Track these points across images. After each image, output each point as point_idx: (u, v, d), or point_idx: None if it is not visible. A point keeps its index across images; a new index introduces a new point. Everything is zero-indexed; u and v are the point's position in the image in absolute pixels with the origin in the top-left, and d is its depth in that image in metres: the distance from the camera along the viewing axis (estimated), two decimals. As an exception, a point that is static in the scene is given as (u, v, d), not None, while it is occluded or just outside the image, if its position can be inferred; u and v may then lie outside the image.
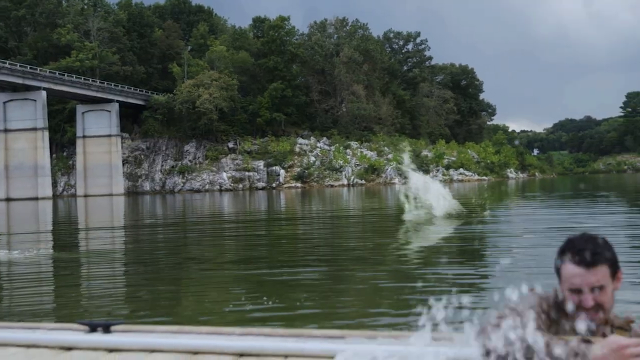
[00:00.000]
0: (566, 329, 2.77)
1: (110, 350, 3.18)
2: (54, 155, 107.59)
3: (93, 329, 3.34)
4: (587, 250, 2.69)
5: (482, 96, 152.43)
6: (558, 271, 2.79)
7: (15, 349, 3.31)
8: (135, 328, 3.40)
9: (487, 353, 2.60)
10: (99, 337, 3.25)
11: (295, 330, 3.18)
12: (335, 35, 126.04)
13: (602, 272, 2.69)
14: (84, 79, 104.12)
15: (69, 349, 3.25)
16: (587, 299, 2.69)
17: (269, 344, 3.01)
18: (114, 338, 3.24)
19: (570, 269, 2.71)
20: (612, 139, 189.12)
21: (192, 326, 3.44)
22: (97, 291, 10.77)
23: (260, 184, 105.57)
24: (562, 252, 2.78)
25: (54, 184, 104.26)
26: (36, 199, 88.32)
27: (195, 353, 3.06)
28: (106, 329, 3.31)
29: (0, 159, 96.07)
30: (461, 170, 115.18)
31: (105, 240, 20.98)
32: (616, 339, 2.48)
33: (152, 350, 3.13)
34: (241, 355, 3.00)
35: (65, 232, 27.10)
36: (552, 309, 2.80)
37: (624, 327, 2.80)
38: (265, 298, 8.72)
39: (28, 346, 3.32)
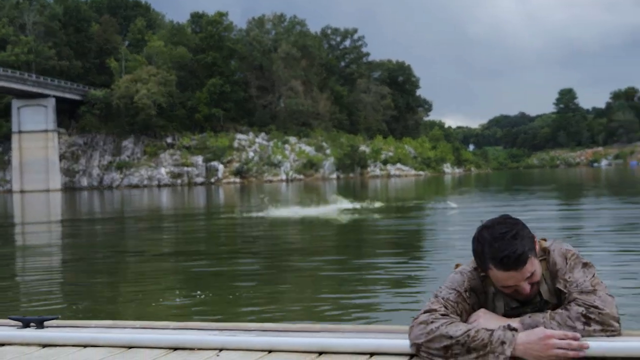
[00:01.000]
0: (492, 306, 2.85)
1: (44, 346, 3.19)
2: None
3: (26, 324, 3.40)
4: (510, 254, 2.63)
5: (418, 92, 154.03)
6: (482, 267, 2.78)
7: None
8: (69, 323, 3.49)
9: (417, 349, 2.66)
10: (32, 333, 3.29)
11: (230, 324, 3.28)
12: (273, 31, 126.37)
13: (530, 263, 2.69)
14: (20, 73, 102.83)
15: (2, 344, 3.27)
16: (524, 288, 2.72)
17: (204, 338, 3.03)
18: (47, 333, 3.27)
19: (500, 274, 2.69)
20: (545, 135, 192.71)
21: (126, 321, 3.53)
22: (30, 286, 10.40)
23: (199, 179, 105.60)
24: (482, 257, 2.73)
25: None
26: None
27: (130, 347, 3.07)
28: (39, 325, 3.37)
29: None
30: (398, 165, 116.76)
31: (41, 235, 20.58)
32: (542, 329, 2.54)
33: (86, 345, 3.15)
34: (175, 349, 3.01)
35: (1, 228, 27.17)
36: (476, 288, 2.85)
37: (542, 257, 2.86)
38: (199, 291, 8.69)
39: None
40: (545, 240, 2.97)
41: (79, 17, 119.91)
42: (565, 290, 2.74)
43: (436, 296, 2.80)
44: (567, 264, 2.80)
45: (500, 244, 2.65)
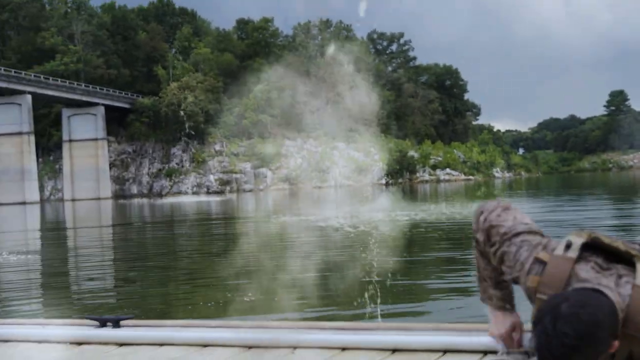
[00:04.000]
0: None
1: (120, 344, 3.24)
2: (40, 160, 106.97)
3: (103, 323, 3.42)
4: (557, 341, 2.04)
5: (466, 96, 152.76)
6: None
7: (28, 345, 3.37)
8: (145, 322, 3.50)
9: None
10: (109, 332, 3.33)
11: (304, 322, 3.28)
12: (320, 37, 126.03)
13: None
14: (69, 82, 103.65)
15: (80, 343, 3.31)
16: None
17: (278, 336, 3.03)
18: (123, 332, 3.31)
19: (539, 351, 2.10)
20: (596, 138, 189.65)
21: (200, 319, 3.58)
22: (102, 287, 10.83)
23: (248, 186, 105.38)
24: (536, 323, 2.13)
25: (41, 189, 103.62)
26: (23, 203, 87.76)
27: (205, 346, 3.10)
28: (116, 324, 3.39)
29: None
30: (447, 170, 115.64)
31: (105, 240, 20.92)
32: None
33: (162, 344, 3.18)
34: (250, 347, 3.03)
35: (70, 232, 27.10)
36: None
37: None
38: (270, 290, 8.72)
39: (40, 342, 3.39)
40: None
41: (127, 26, 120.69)
42: None
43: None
44: None
45: (561, 322, 2.04)
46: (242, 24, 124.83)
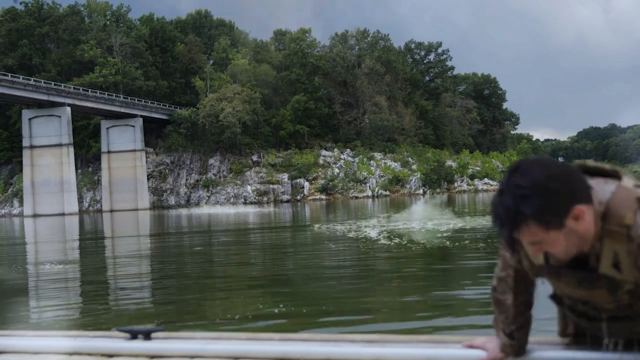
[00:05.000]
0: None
1: (152, 357, 3.26)
2: (79, 171, 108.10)
3: (134, 336, 3.43)
4: (502, 207, 2.17)
5: (505, 105, 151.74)
6: None
7: (58, 357, 3.37)
8: (176, 335, 3.50)
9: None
10: (140, 344, 3.34)
11: (334, 335, 3.22)
12: (357, 47, 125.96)
13: (528, 231, 2.17)
14: (108, 94, 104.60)
15: (111, 356, 3.33)
16: (533, 251, 2.28)
17: (309, 349, 3.03)
18: (155, 345, 3.31)
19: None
20: (637, 147, 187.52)
21: (231, 332, 3.49)
22: (135, 299, 10.89)
23: (285, 197, 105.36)
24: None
25: (80, 200, 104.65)
26: (62, 214, 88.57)
27: (236, 359, 3.12)
28: (147, 336, 3.40)
29: (27, 175, 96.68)
30: (486, 180, 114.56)
31: (139, 250, 20.90)
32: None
33: (193, 357, 3.20)
34: None
35: (108, 242, 27.19)
36: None
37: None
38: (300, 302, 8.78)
39: (70, 354, 3.40)
40: None
41: (165, 38, 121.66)
42: None
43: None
44: None
45: (508, 188, 2.20)
46: (280, 34, 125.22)
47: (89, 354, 3.36)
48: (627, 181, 2.36)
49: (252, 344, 3.17)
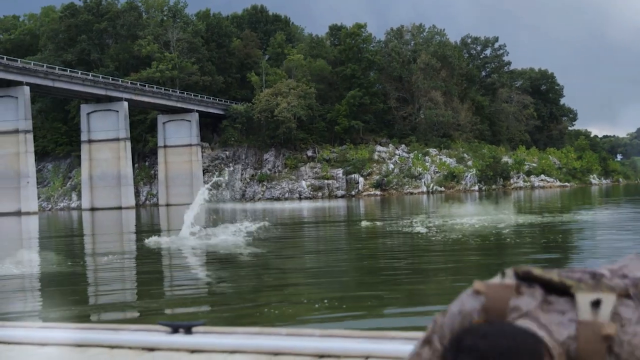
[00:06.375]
0: None
1: (192, 351, 3.27)
2: (136, 165, 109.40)
3: (175, 330, 3.44)
4: None
5: (562, 101, 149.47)
6: None
7: (100, 350, 3.42)
8: (217, 329, 3.49)
9: None
10: (181, 338, 3.35)
11: (375, 332, 3.20)
12: (412, 42, 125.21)
13: None
14: (165, 89, 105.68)
15: (152, 349, 3.36)
16: None
17: (350, 345, 3.03)
18: (195, 339, 3.33)
19: None
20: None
21: (272, 327, 3.56)
22: (177, 293, 11.10)
23: (340, 192, 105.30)
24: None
25: (137, 194, 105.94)
26: (119, 208, 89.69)
27: (276, 354, 3.12)
28: (188, 330, 3.41)
29: (85, 169, 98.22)
30: (542, 176, 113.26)
31: (185, 245, 20.91)
32: None
33: (234, 351, 3.20)
34: (321, 356, 3.05)
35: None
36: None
37: None
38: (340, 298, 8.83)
39: (112, 347, 3.44)
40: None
41: (221, 33, 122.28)
42: None
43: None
44: None
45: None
46: (335, 30, 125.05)
47: (130, 348, 3.40)
48: (583, 302, 1.81)
49: (292, 340, 3.19)
